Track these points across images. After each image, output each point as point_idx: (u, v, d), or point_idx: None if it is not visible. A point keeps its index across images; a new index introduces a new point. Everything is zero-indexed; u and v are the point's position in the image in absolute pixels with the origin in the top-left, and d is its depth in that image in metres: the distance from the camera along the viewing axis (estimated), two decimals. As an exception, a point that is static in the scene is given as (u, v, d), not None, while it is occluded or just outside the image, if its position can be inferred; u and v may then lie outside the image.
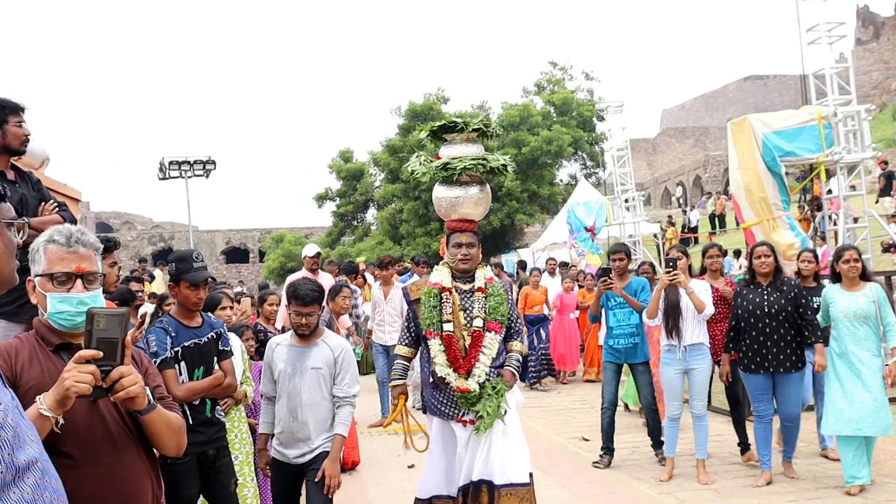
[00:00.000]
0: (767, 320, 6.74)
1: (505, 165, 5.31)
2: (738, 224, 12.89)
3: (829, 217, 13.82)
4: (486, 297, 5.15)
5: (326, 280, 10.09)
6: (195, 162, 28.58)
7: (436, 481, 5.24)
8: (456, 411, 5.06)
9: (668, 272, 7.05)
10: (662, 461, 7.61)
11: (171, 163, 28.52)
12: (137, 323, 5.87)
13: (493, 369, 5.07)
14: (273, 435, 4.91)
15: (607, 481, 7.28)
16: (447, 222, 5.27)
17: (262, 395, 5.00)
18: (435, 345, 5.05)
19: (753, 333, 6.81)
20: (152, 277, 17.71)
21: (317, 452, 4.71)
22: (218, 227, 61.44)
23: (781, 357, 6.69)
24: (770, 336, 6.73)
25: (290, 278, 7.25)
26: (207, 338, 4.66)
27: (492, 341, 5.09)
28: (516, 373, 5.22)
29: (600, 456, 7.86)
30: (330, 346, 4.82)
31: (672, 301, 7.14)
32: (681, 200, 50.60)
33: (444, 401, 5.09)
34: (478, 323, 5.08)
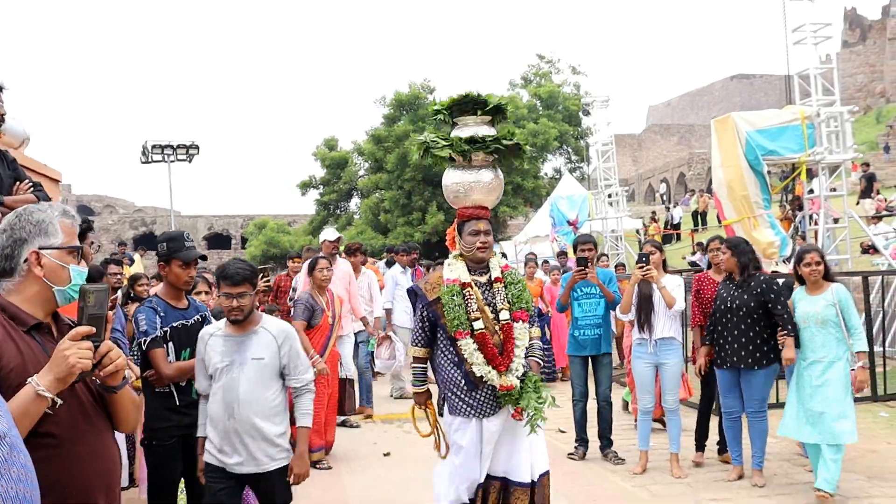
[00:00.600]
0: (730, 315, 6.76)
1: (522, 146, 5.00)
2: (719, 221, 12.94)
3: (810, 217, 13.91)
4: (506, 287, 4.84)
5: (344, 266, 9.70)
6: (178, 146, 28.33)
7: (465, 484, 4.80)
8: (497, 409, 4.70)
9: (641, 267, 7.07)
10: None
11: (153, 147, 28.27)
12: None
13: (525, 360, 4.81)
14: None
15: (582, 473, 7.32)
16: (459, 210, 4.91)
17: (197, 394, 4.46)
18: (468, 345, 4.64)
19: (719, 328, 6.86)
20: (132, 261, 17.59)
21: (270, 468, 4.26)
22: (200, 212, 61.14)
23: (743, 353, 6.66)
24: (732, 332, 6.73)
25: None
26: (194, 320, 4.67)
27: (522, 331, 4.82)
28: (540, 361, 5.00)
29: (575, 448, 7.89)
30: (271, 333, 4.31)
31: (644, 295, 7.14)
32: (664, 197, 50.73)
33: (483, 399, 4.68)
34: (505, 315, 4.76)
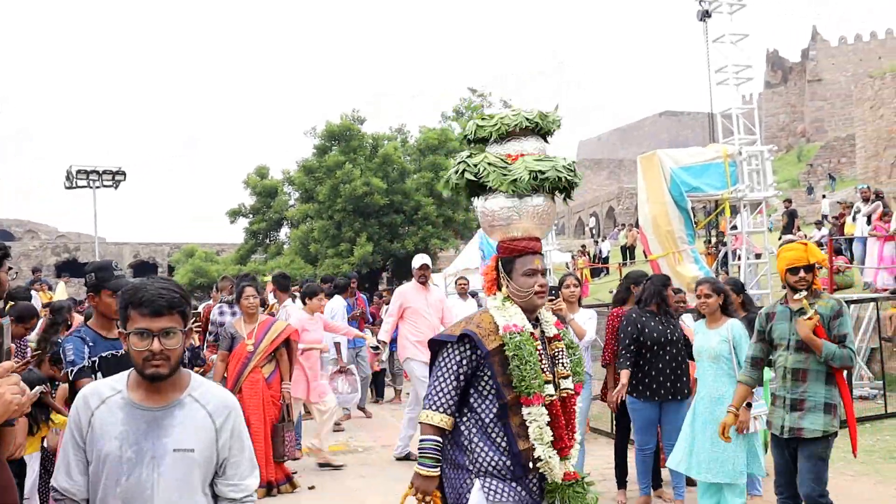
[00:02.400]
0: (662, 347, 6.73)
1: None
2: (645, 256, 13.11)
3: (734, 252, 14.18)
4: (567, 348, 3.88)
5: (436, 294, 9.71)
6: (104, 172, 27.88)
7: None
8: None
9: (551, 300, 6.79)
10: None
11: (78, 171, 27.75)
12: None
13: None
14: None
15: None
16: (504, 242, 3.82)
17: (53, 492, 2.79)
18: (541, 415, 3.55)
19: (652, 361, 6.74)
20: (50, 288, 17.12)
21: None
22: (126, 239, 60.00)
23: (672, 385, 6.69)
24: (666, 363, 6.72)
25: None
26: (124, 350, 4.48)
27: (580, 410, 3.96)
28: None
29: None
30: (206, 408, 2.76)
31: None
32: (593, 231, 51.41)
33: (526, 494, 3.62)
34: (568, 384, 3.78)
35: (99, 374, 4.31)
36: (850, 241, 17.02)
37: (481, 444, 3.60)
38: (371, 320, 13.29)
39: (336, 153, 32.20)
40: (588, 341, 7.11)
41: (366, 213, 31.11)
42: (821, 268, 5.94)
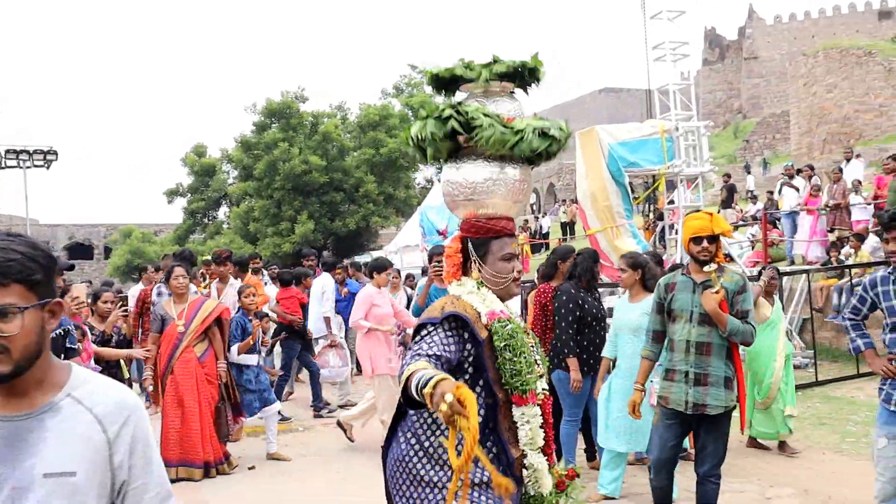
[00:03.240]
0: (602, 322, 6.81)
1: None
2: (584, 231, 13.24)
3: (671, 226, 14.36)
4: (535, 344, 3.29)
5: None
6: (35, 151, 27.19)
7: None
8: None
9: (435, 269, 6.91)
10: None
11: (7, 151, 27.04)
12: None
13: None
14: None
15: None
16: (474, 220, 3.22)
17: None
18: (533, 416, 3.04)
19: (591, 336, 6.76)
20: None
21: None
22: (60, 221, 58.69)
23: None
24: (600, 337, 6.76)
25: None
26: (55, 334, 4.47)
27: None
28: None
29: None
30: (92, 412, 1.94)
31: None
32: (534, 207, 51.68)
33: None
34: (543, 384, 3.20)
35: None
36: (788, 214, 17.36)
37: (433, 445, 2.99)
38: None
39: (275, 131, 31.91)
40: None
41: (306, 192, 30.91)
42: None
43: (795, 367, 11.57)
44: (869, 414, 8.99)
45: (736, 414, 5.24)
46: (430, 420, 3.01)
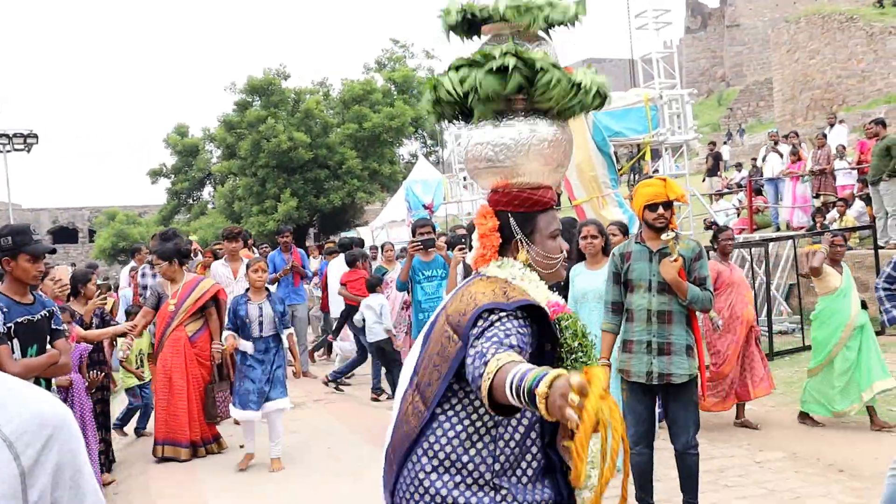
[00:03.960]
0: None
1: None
2: (570, 202, 13.21)
3: (656, 196, 14.35)
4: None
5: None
6: (15, 135, 26.89)
7: None
8: None
9: (461, 249, 6.80)
10: None
11: (-13, 135, 26.74)
12: None
13: None
14: None
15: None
16: (516, 191, 2.65)
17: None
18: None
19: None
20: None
21: None
22: (44, 205, 58.35)
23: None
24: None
25: None
26: (40, 315, 4.51)
27: None
28: None
29: None
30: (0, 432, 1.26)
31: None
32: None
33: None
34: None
35: (15, 341, 4.29)
36: (772, 181, 17.38)
37: (502, 453, 2.40)
38: (309, 276, 12.77)
39: (258, 108, 31.71)
40: None
41: (290, 169, 30.77)
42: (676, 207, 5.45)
43: (783, 332, 11.65)
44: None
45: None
46: (465, 428, 2.38)
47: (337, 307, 11.63)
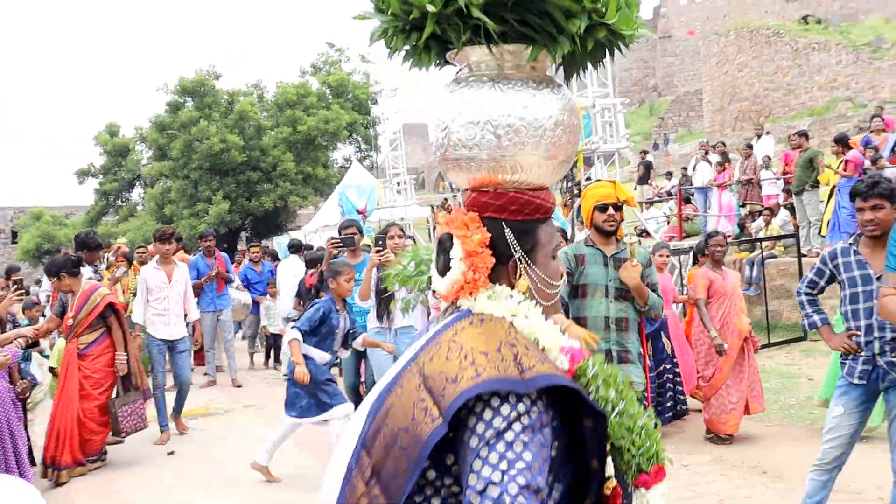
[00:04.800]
0: None
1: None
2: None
3: (588, 203, 14.50)
4: None
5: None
6: (-64, 132, 26.14)
7: None
8: None
9: (379, 251, 6.61)
10: None
11: None
12: None
13: None
14: None
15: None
16: (513, 192, 1.86)
17: None
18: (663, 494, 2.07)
19: None
20: None
21: None
22: (-36, 205, 56.51)
23: None
24: None
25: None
26: None
27: None
28: None
29: None
30: None
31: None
32: (453, 185, 51.72)
33: None
34: None
35: None
36: (701, 190, 17.71)
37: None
38: (233, 280, 12.59)
39: (190, 109, 31.27)
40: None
41: (222, 171, 30.42)
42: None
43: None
44: (778, 381, 9.25)
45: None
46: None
47: (287, 306, 11.57)
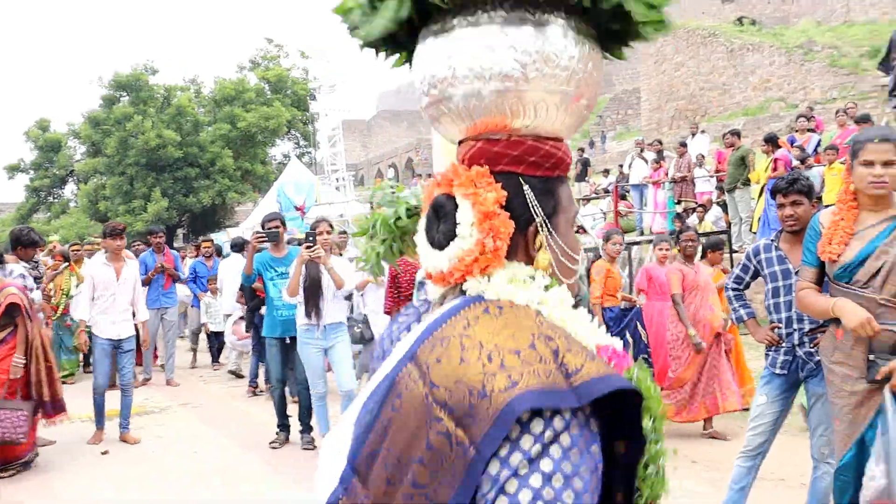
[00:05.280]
0: None
1: None
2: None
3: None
4: None
5: None
6: None
7: None
8: None
9: (308, 247, 6.63)
10: (309, 446, 7.36)
11: None
12: None
13: None
14: None
15: (283, 458, 7.18)
16: (532, 140, 1.43)
17: None
18: None
19: None
20: None
21: None
22: None
23: None
24: None
25: None
26: None
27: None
28: None
29: (276, 434, 7.62)
30: None
31: (313, 278, 6.77)
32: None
33: None
34: None
35: None
36: (637, 187, 17.98)
37: None
38: (182, 277, 12.37)
39: (125, 104, 30.75)
40: (347, 290, 7.05)
41: (159, 168, 30.00)
42: None
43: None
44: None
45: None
46: None
47: (229, 303, 11.58)
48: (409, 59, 1.58)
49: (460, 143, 1.50)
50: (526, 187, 1.40)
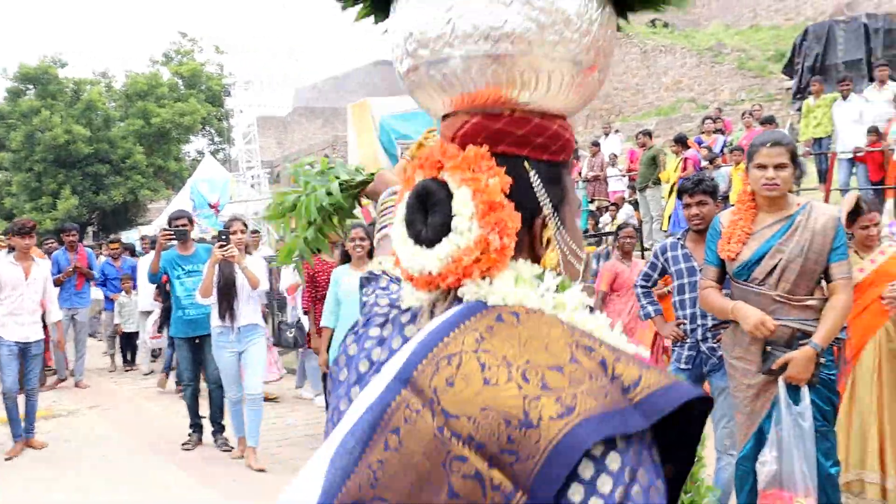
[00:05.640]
0: None
1: None
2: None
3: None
4: None
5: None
6: None
7: None
8: None
9: (221, 246, 6.48)
10: (224, 447, 7.31)
11: None
12: None
13: None
14: None
15: (194, 460, 7.11)
16: (539, 118, 1.19)
17: None
18: None
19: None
20: None
21: None
22: None
23: None
24: None
25: None
26: None
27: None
28: None
29: (189, 435, 7.52)
30: None
31: (227, 279, 6.61)
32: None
33: None
34: None
35: None
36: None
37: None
38: (95, 277, 12.02)
39: (32, 98, 29.84)
40: (263, 290, 6.99)
41: (68, 164, 29.22)
42: None
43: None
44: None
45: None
46: None
47: (146, 301, 11.40)
48: (374, 10, 1.32)
49: (445, 117, 1.24)
50: (532, 173, 1.17)
